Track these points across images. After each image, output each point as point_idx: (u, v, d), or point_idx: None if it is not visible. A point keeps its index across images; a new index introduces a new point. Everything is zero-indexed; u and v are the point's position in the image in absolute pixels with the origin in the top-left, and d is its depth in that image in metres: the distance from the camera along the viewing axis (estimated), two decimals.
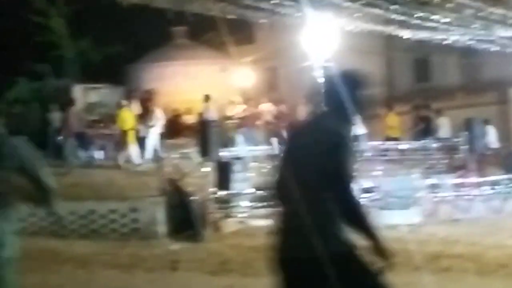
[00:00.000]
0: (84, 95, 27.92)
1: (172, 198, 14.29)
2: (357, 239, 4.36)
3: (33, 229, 13.95)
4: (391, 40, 30.03)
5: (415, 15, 18.37)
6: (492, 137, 23.40)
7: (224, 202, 15.26)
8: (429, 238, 13.96)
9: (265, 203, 15.73)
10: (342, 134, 4.29)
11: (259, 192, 16.06)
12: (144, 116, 22.36)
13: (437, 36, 21.35)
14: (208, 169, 15.31)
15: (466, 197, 16.93)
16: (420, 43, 23.77)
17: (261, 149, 22.19)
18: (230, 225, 14.76)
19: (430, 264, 10.88)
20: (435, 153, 19.84)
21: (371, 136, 20.81)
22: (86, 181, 17.14)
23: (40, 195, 4.49)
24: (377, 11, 17.69)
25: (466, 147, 21.46)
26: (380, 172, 17.77)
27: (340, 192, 4.18)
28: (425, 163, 19.06)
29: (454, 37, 21.39)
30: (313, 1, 16.92)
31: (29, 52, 33.33)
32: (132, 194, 14.40)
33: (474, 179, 17.85)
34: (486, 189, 17.17)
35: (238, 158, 18.23)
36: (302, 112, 25.30)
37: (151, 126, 20.69)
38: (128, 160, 20.13)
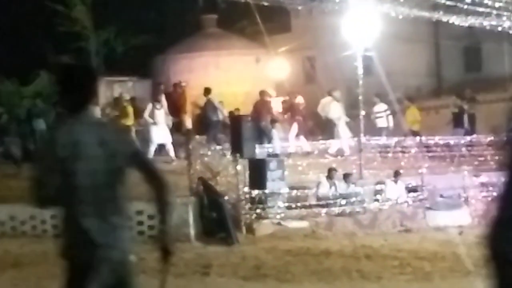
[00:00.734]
0: (108, 88, 28.11)
1: (202, 198, 14.35)
2: None
3: (56, 231, 14.12)
4: (438, 27, 29.84)
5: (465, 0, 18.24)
6: None
7: (258, 203, 15.27)
8: (480, 241, 13.84)
9: (301, 204, 15.74)
10: None
11: (295, 191, 16.07)
12: (173, 111, 22.51)
13: (489, 22, 21.14)
14: (240, 167, 15.32)
15: None
16: (471, 30, 23.59)
17: (298, 145, 22.18)
18: (264, 227, 14.78)
19: (482, 268, 10.78)
20: (486, 149, 19.63)
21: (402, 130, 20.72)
22: None
23: (155, 186, 4.66)
24: None
25: None
26: (426, 170, 17.66)
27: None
28: (475, 159, 18.88)
29: (507, 23, 21.17)
30: None
31: (50, 43, 33.64)
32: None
33: None
34: None
35: (273, 155, 18.23)
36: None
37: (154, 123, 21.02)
38: None
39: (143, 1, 36.55)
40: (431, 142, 19.62)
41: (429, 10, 21.74)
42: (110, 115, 22.02)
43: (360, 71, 18.39)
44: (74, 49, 34.30)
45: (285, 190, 16.01)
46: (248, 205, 15.02)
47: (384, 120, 23.56)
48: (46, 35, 33.60)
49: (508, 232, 3.94)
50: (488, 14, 20.54)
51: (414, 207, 16.48)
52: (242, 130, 15.68)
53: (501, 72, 30.65)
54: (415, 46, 31.52)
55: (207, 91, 24.05)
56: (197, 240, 13.67)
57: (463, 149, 19.47)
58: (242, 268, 11.34)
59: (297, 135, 23.16)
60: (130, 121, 20.77)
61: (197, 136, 20.71)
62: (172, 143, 21.30)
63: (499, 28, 21.73)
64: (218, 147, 19.21)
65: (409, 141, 19.49)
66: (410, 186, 17.23)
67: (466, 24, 21.46)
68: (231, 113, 23.65)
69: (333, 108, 22.95)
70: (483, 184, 17.19)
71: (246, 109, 24.26)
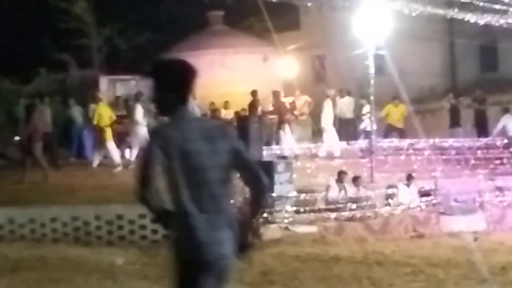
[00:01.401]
0: (111, 87, 28.14)
1: None
2: None
3: (55, 235, 14.16)
4: (453, 25, 29.80)
5: None
6: None
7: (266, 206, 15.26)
8: (496, 247, 13.85)
9: (310, 208, 15.73)
10: None
11: (303, 195, 16.06)
12: None
13: (506, 20, 21.11)
14: None
15: None
16: (487, 28, 23.54)
17: (307, 147, 22.18)
18: (271, 232, 14.77)
19: (497, 276, 10.79)
20: (502, 152, 19.62)
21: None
22: (113, 183, 17.28)
23: (254, 188, 4.67)
24: None
25: None
26: (439, 173, 17.64)
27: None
28: (490, 162, 18.86)
29: None
30: None
31: (51, 40, 33.72)
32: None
33: None
34: None
35: (281, 157, 18.23)
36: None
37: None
38: (108, 159, 20.20)
39: None
40: (445, 144, 19.62)
41: (443, 7, 21.70)
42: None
43: (372, 70, 18.38)
44: (76, 46, 34.40)
45: (293, 193, 16.00)
46: None
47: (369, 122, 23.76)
48: (47, 32, 33.70)
49: None
50: (505, 12, 20.51)
51: (427, 212, 16.46)
52: (249, 131, 15.69)
53: None
54: (428, 44, 31.51)
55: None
56: None
57: (478, 151, 19.46)
58: (248, 274, 11.30)
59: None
60: (105, 122, 20.33)
61: None
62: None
63: None
64: None
65: (423, 143, 19.48)
66: (423, 190, 17.20)
67: (482, 22, 21.41)
68: (237, 113, 23.68)
69: (326, 108, 22.97)
70: (498, 188, 17.18)
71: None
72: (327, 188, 16.73)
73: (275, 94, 23.80)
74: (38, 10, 34.12)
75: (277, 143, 21.99)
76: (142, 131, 19.89)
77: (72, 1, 34.53)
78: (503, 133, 21.66)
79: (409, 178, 17.16)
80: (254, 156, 15.42)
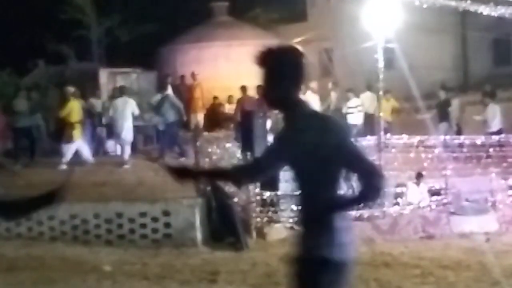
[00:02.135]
0: (111, 80, 28.16)
1: (210, 200, 14.36)
2: None
3: (53, 234, 14.17)
4: (466, 17, 29.77)
5: None
6: None
7: (270, 205, 15.27)
8: (508, 249, 13.83)
9: None
10: None
11: None
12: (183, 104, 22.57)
13: None
14: None
15: None
16: (500, 20, 23.47)
17: None
18: (276, 232, 14.78)
19: (510, 279, 10.78)
20: None
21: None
22: (113, 180, 17.31)
23: (368, 187, 4.58)
24: None
25: None
26: (450, 171, 17.61)
27: None
28: (503, 160, 18.82)
29: None
30: None
31: (49, 31, 33.75)
32: (164, 195, 14.49)
33: None
34: None
35: None
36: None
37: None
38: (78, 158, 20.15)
39: None
40: (456, 141, 19.58)
41: None
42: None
43: (381, 64, 18.33)
44: (75, 37, 34.44)
45: (298, 191, 15.97)
46: (259, 208, 15.03)
47: (355, 116, 23.76)
48: (45, 23, 33.73)
49: None
50: None
51: (437, 212, 16.42)
52: (254, 127, 15.66)
53: None
54: (440, 37, 31.50)
55: (163, 86, 23.80)
56: (204, 245, 13.69)
57: (491, 149, 19.41)
58: (252, 276, 11.34)
59: None
60: (75, 117, 20.17)
61: (206, 133, 20.75)
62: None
63: None
64: (227, 145, 19.21)
65: (433, 140, 19.44)
66: (433, 189, 17.18)
67: (496, 14, 21.35)
68: (215, 105, 23.76)
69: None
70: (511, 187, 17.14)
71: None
72: None
73: (242, 89, 23.87)
74: (36, 0, 34.16)
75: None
76: (128, 126, 19.90)
77: None
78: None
79: (419, 176, 17.14)
80: (258, 152, 15.45)
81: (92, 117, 22.28)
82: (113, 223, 14.07)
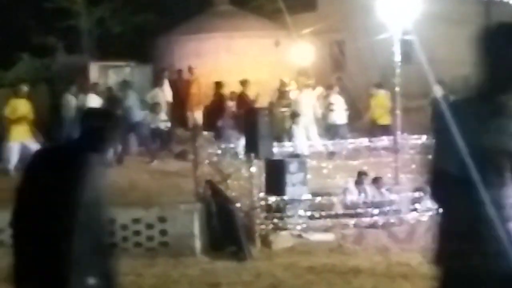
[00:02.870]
0: (103, 75, 28.21)
1: (210, 205, 14.37)
2: None
3: None
4: (490, 7, 29.75)
5: None
6: None
7: (276, 211, 15.27)
8: None
9: (326, 213, 15.73)
10: None
11: (319, 198, 16.05)
12: (178, 102, 22.60)
13: None
14: (255, 169, 15.32)
15: None
16: None
17: (323, 144, 22.18)
18: (282, 240, 14.78)
19: None
20: None
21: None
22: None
23: None
24: None
25: None
26: None
27: None
28: None
29: None
30: None
31: (35, 21, 33.78)
32: (160, 200, 14.51)
33: None
34: None
35: (294, 156, 18.23)
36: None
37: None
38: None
39: None
40: None
41: None
42: None
43: (398, 58, 18.35)
44: (63, 28, 34.41)
45: (307, 196, 16.01)
46: (263, 214, 15.02)
47: (339, 115, 23.85)
48: (30, 12, 33.73)
49: None
50: None
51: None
52: (258, 126, 15.64)
53: None
54: (462, 29, 31.27)
55: (124, 84, 23.80)
56: (203, 254, 13.69)
57: None
58: (256, 287, 11.35)
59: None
60: (18, 115, 20.16)
61: (205, 132, 20.79)
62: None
63: None
64: (230, 146, 19.25)
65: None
66: None
67: None
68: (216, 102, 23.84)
69: (303, 99, 23.08)
70: None
71: (262, 100, 24.33)
72: (345, 190, 16.73)
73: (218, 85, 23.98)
74: None
75: (290, 139, 22.02)
76: None
77: None
78: None
79: None
80: (263, 153, 15.47)
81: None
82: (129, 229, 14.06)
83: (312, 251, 14.32)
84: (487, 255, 4.35)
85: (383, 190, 16.80)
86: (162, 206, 14.16)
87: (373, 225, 15.70)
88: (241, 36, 32.45)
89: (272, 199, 15.24)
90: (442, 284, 4.58)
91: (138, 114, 22.67)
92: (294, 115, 22.93)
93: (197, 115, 25.70)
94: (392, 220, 15.89)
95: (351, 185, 16.77)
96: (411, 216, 16.11)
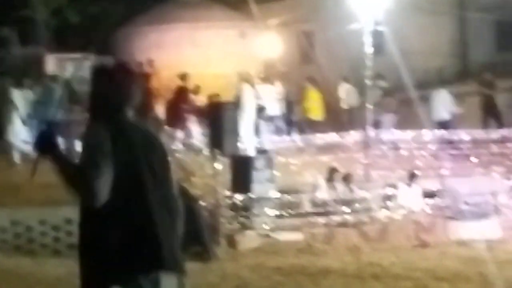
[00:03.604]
0: (59, 67, 28.06)
1: None
2: None
3: (16, 241, 14.07)
4: None
5: None
6: None
7: (242, 210, 15.28)
8: None
9: (295, 211, 15.76)
10: None
11: (287, 196, 16.08)
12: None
13: None
14: (220, 165, 15.32)
15: None
16: (504, 0, 23.68)
17: (290, 140, 22.22)
18: (249, 240, 14.81)
19: None
20: None
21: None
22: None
23: None
24: None
25: None
26: (447, 171, 17.72)
27: None
28: (507, 159, 18.97)
29: None
30: None
31: None
32: None
33: None
34: None
35: (260, 152, 18.24)
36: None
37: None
38: None
39: None
40: (455, 137, 19.69)
41: None
42: None
43: (369, 49, 18.42)
44: (18, 19, 34.17)
45: (274, 194, 16.03)
46: (229, 213, 15.03)
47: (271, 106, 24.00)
48: None
49: None
50: None
51: (432, 217, 16.52)
52: (223, 121, 15.63)
53: None
54: (436, 19, 31.61)
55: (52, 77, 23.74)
56: None
57: (493, 146, 19.56)
58: None
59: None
60: None
61: (167, 128, 20.75)
62: None
63: None
64: (193, 141, 19.23)
65: (428, 135, 19.54)
66: (428, 191, 17.27)
67: None
68: (209, 99, 23.70)
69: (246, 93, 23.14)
70: None
71: (228, 94, 24.28)
72: (314, 188, 16.77)
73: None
74: None
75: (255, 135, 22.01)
76: None
77: None
78: None
79: (412, 176, 17.22)
80: (227, 149, 15.47)
81: None
82: (62, 230, 13.99)
83: (280, 251, 14.35)
84: None
85: (354, 187, 16.86)
86: None
87: (343, 224, 15.76)
88: (205, 27, 32.40)
89: (238, 197, 15.25)
90: None
91: None
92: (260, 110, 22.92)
93: (158, 110, 25.58)
94: (363, 219, 15.96)
95: (321, 182, 16.82)
96: (382, 215, 16.20)
